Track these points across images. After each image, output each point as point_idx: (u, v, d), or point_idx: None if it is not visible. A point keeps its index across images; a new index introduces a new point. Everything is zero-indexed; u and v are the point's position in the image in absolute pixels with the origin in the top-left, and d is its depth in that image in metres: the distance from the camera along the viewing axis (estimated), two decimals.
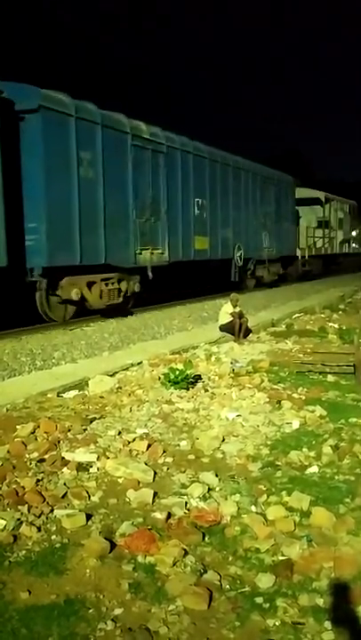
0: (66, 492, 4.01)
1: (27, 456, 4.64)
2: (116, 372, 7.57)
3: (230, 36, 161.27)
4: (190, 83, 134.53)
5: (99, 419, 5.60)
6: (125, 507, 3.87)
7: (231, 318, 10.34)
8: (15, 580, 3.04)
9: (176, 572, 3.09)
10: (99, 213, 11.91)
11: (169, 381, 6.62)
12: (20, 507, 3.75)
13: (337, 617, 2.76)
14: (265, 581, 3.02)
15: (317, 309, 14.28)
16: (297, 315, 13.63)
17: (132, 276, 13.29)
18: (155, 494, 3.98)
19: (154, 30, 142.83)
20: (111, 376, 7.22)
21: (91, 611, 2.80)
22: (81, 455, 4.62)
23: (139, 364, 8.11)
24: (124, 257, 12.86)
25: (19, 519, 3.60)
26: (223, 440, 5.04)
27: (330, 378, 7.34)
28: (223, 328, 10.46)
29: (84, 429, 5.25)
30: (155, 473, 4.34)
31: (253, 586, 3.01)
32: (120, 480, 4.24)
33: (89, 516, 3.67)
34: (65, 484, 4.15)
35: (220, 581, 3.04)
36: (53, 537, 3.47)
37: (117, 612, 2.79)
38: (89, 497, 3.98)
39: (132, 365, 8.01)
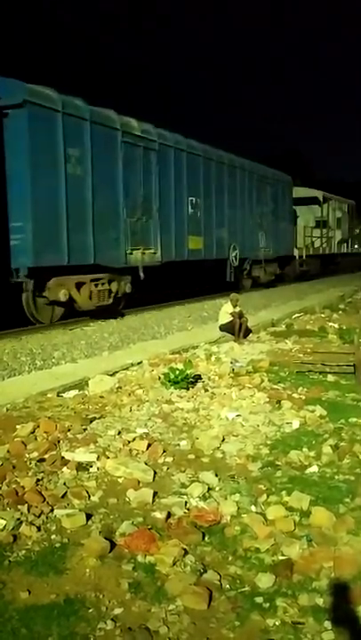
0: (66, 492, 4.01)
1: (27, 456, 4.64)
2: (116, 372, 7.57)
3: (230, 35, 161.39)
4: (190, 83, 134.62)
5: (99, 418, 5.60)
6: (125, 506, 3.87)
7: (231, 318, 10.34)
8: (15, 580, 3.04)
9: (176, 572, 3.09)
10: (87, 212, 11.61)
11: (169, 381, 6.62)
12: (19, 506, 3.75)
13: (337, 617, 2.76)
14: (265, 581, 3.02)
15: (317, 309, 14.28)
16: (297, 314, 13.62)
17: (122, 277, 12.98)
18: (155, 494, 3.98)
19: (154, 30, 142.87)
20: (111, 376, 7.22)
21: (90, 610, 2.80)
22: (81, 455, 4.62)
23: (139, 363, 8.10)
24: (115, 257, 12.58)
25: (18, 519, 3.60)
26: (223, 440, 5.04)
27: (330, 378, 7.34)
28: (223, 328, 10.46)
29: (84, 429, 5.25)
30: (155, 473, 4.34)
31: (253, 585, 3.01)
32: (120, 480, 4.24)
33: (89, 516, 3.67)
34: (65, 483, 4.15)
35: (219, 581, 3.04)
36: (53, 537, 3.47)
37: (117, 611, 2.79)
38: (89, 497, 3.98)
39: (132, 365, 8.01)
